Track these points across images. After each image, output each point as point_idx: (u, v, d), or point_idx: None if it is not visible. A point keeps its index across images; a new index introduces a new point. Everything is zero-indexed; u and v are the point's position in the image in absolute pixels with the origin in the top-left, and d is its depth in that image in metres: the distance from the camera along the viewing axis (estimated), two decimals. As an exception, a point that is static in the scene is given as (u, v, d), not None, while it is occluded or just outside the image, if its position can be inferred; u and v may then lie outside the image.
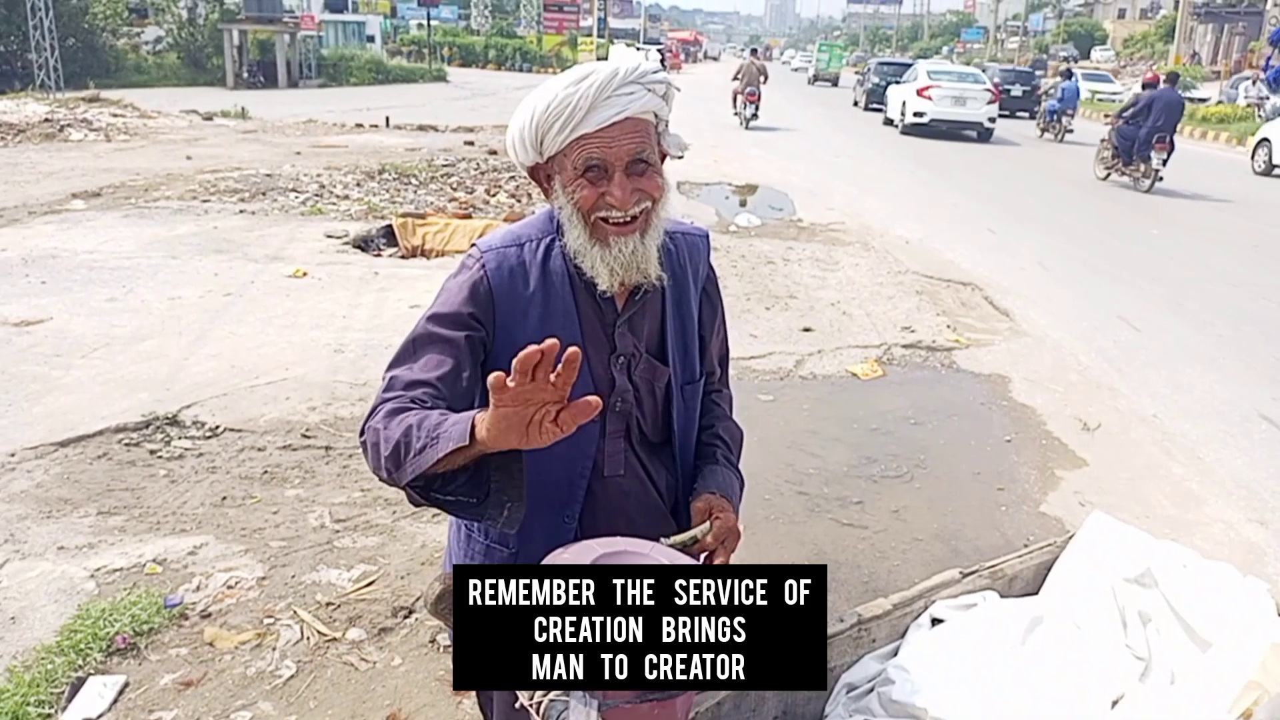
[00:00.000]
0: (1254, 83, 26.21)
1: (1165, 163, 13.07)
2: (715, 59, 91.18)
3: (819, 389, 5.32)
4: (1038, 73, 23.64)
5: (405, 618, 2.98)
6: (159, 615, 2.89)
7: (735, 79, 22.19)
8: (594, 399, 1.14)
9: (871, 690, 1.96)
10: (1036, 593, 2.26)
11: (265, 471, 3.92)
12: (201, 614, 2.95)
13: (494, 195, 10.93)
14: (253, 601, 3.03)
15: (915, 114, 20.54)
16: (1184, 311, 7.13)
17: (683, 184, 12.21)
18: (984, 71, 22.88)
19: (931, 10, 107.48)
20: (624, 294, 1.52)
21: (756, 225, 10.04)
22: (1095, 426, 4.85)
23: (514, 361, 1.09)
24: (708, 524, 1.56)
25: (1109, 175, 14.13)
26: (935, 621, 2.12)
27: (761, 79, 21.50)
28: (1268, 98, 24.19)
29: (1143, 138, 13.04)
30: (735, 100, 21.94)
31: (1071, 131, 21.08)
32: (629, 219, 1.41)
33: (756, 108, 21.30)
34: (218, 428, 4.33)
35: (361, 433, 1.36)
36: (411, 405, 1.33)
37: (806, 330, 6.29)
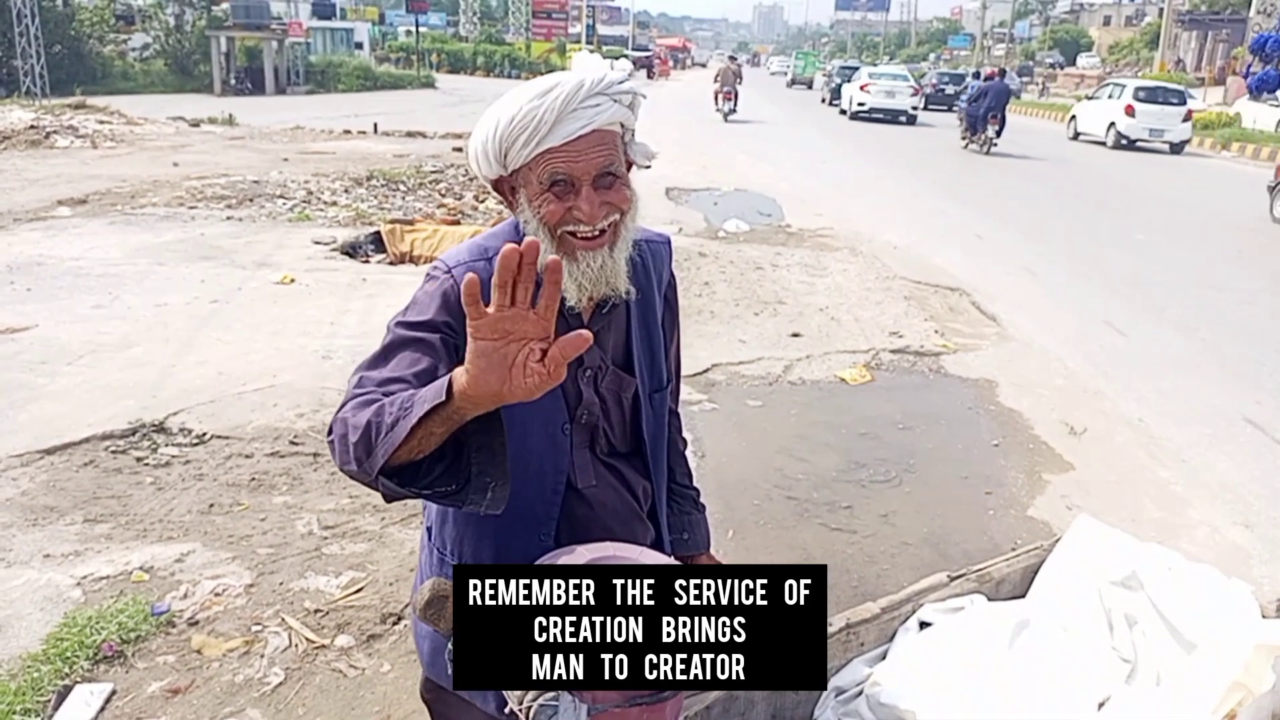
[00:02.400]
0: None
1: (999, 133, 18.70)
2: (703, 65, 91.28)
3: (808, 394, 5.34)
4: (970, 77, 25.43)
5: (394, 624, 2.97)
6: (146, 623, 2.88)
7: (715, 80, 26.14)
8: (585, 333, 1.07)
9: (860, 693, 1.97)
10: (1024, 596, 2.27)
11: (253, 479, 3.91)
12: (189, 621, 2.93)
13: (482, 201, 10.93)
14: (240, 609, 3.01)
15: (858, 104, 27.05)
16: (1169, 316, 7.18)
17: (671, 190, 12.23)
18: (925, 74, 28.14)
19: (918, 17, 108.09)
20: (590, 308, 1.50)
21: (745, 230, 10.06)
22: (1082, 431, 4.88)
23: (493, 274, 1.04)
24: None
25: (967, 145, 19.47)
26: (923, 625, 2.13)
27: (737, 80, 25.47)
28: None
29: (981, 115, 18.57)
30: (716, 98, 25.57)
31: (996, 144, 18.92)
32: (597, 233, 1.38)
33: (734, 104, 25.24)
34: (205, 435, 4.31)
35: (329, 431, 1.27)
36: (383, 398, 1.24)
37: (795, 336, 6.31)
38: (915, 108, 27.05)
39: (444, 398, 1.10)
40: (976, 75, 23.31)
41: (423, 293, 1.46)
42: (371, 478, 1.19)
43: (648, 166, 1.52)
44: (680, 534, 1.79)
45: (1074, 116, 24.90)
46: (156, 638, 2.84)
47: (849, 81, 29.41)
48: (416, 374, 1.30)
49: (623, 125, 1.41)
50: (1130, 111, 21.52)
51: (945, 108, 31.46)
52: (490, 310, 1.05)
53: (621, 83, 1.38)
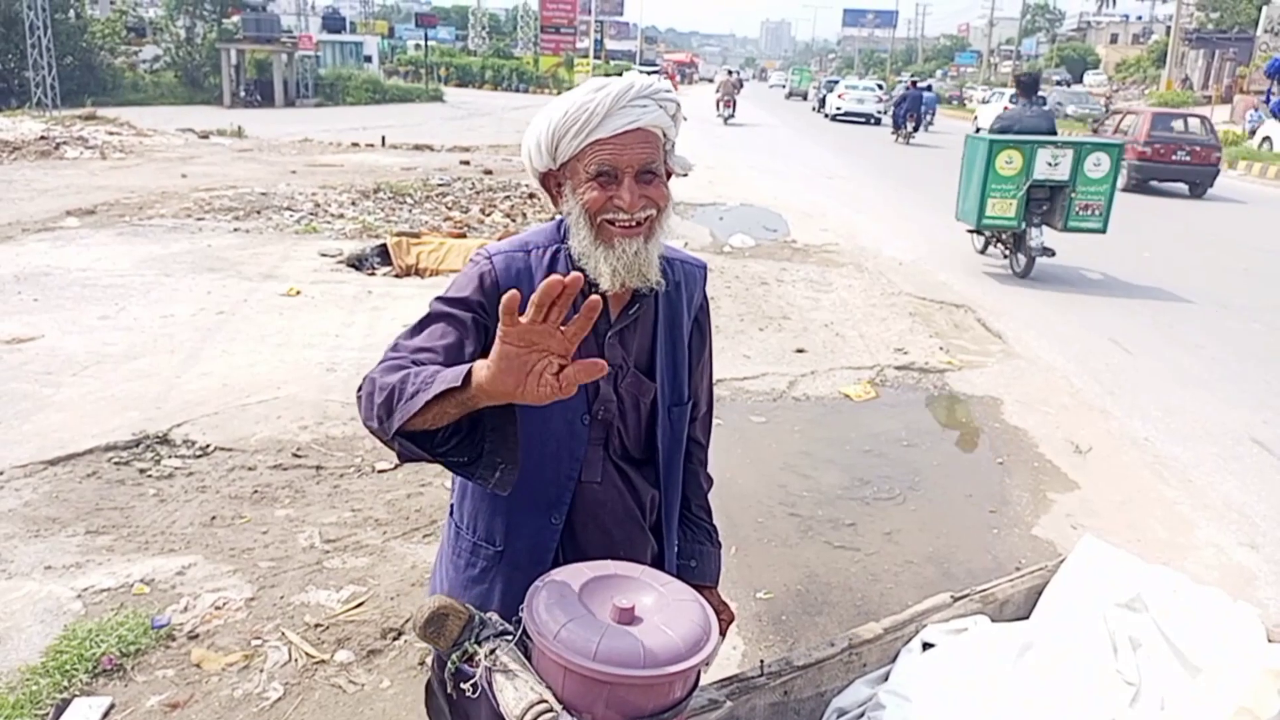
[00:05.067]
0: (1255, 109, 27.53)
1: (915, 129, 25.45)
2: (710, 80, 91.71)
3: (812, 410, 5.32)
4: (904, 87, 30.41)
5: (394, 639, 2.96)
6: (146, 636, 2.87)
7: (717, 91, 32.35)
8: (601, 361, 1.16)
9: (863, 715, 1.95)
10: (1027, 617, 2.25)
11: (255, 491, 3.90)
12: (189, 635, 2.93)
13: (489, 215, 10.96)
14: (241, 622, 3.01)
15: (836, 108, 35.23)
16: (1175, 334, 7.16)
17: (677, 205, 12.24)
18: (895, 86, 32.38)
19: (926, 34, 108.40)
20: (618, 306, 1.55)
21: (751, 246, 10.07)
22: (1087, 449, 4.85)
23: (534, 294, 1.10)
24: (722, 637, 1.71)
25: (896, 139, 25.17)
26: (926, 646, 2.11)
27: (736, 90, 31.65)
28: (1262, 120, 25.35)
29: (902, 115, 24.51)
30: (718, 105, 31.36)
31: (913, 136, 25.61)
32: (634, 223, 1.45)
33: (733, 110, 31.11)
34: (208, 447, 4.31)
35: (359, 389, 1.37)
36: (412, 365, 1.35)
37: (800, 351, 6.30)
38: (880, 112, 33.40)
39: (460, 384, 1.19)
40: (912, 84, 29.54)
41: (463, 275, 1.54)
42: (389, 437, 1.28)
43: (684, 175, 1.61)
44: (689, 561, 1.80)
45: (976, 116, 32.29)
46: (156, 651, 2.84)
47: (831, 92, 37.75)
48: (445, 346, 1.41)
49: (664, 133, 1.50)
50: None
51: None
52: (523, 320, 1.11)
53: (668, 91, 1.49)
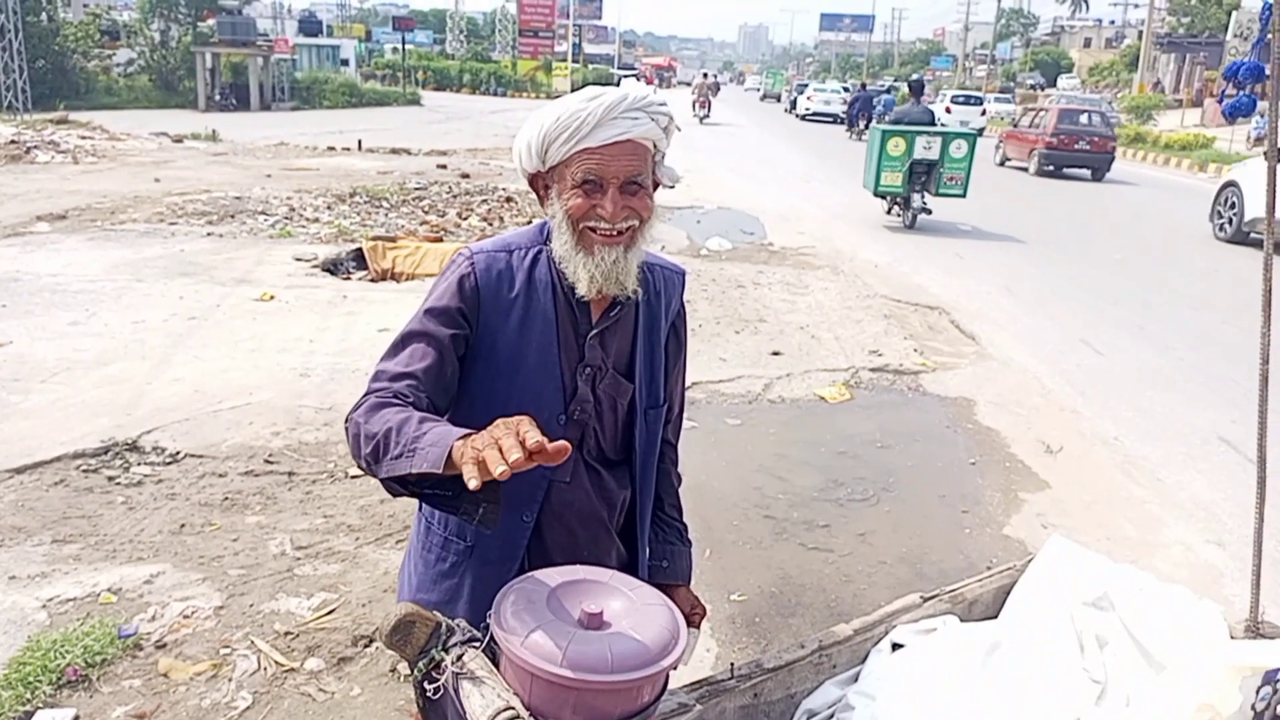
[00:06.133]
0: (1261, 115, 27.46)
1: (866, 126, 23.34)
2: (687, 84, 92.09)
3: (787, 412, 5.34)
4: (858, 89, 32.85)
5: (365, 647, 2.93)
6: (112, 646, 2.83)
7: (693, 92, 35.11)
8: (565, 445, 1.15)
9: (832, 716, 1.95)
10: (996, 616, 2.26)
11: (226, 498, 3.87)
12: (156, 644, 2.89)
13: (466, 219, 10.92)
14: (209, 631, 2.97)
15: (805, 109, 40.09)
16: (1145, 334, 7.24)
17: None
18: (862, 89, 33.28)
19: (901, 39, 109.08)
20: (600, 308, 1.57)
21: (728, 249, 10.10)
22: (1058, 449, 4.90)
23: (529, 443, 1.12)
24: (696, 631, 1.77)
25: (850, 136, 26.67)
26: (896, 646, 2.12)
27: (711, 92, 34.93)
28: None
29: (854, 114, 26.10)
30: (694, 106, 33.97)
31: (864, 133, 26.04)
32: (616, 232, 1.47)
33: (708, 110, 34.21)
34: (178, 453, 4.27)
35: (347, 419, 1.41)
36: (394, 400, 1.38)
37: (775, 354, 6.32)
38: (844, 112, 35.56)
39: (440, 469, 1.20)
40: (862, 87, 33.15)
41: (444, 279, 1.56)
42: (377, 478, 1.32)
43: (671, 186, 1.65)
44: (660, 561, 1.82)
45: None
46: (123, 661, 2.80)
47: (801, 94, 42.87)
48: (425, 370, 1.45)
49: (655, 145, 1.52)
50: (949, 110, 30.94)
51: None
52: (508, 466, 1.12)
53: (661, 104, 1.50)
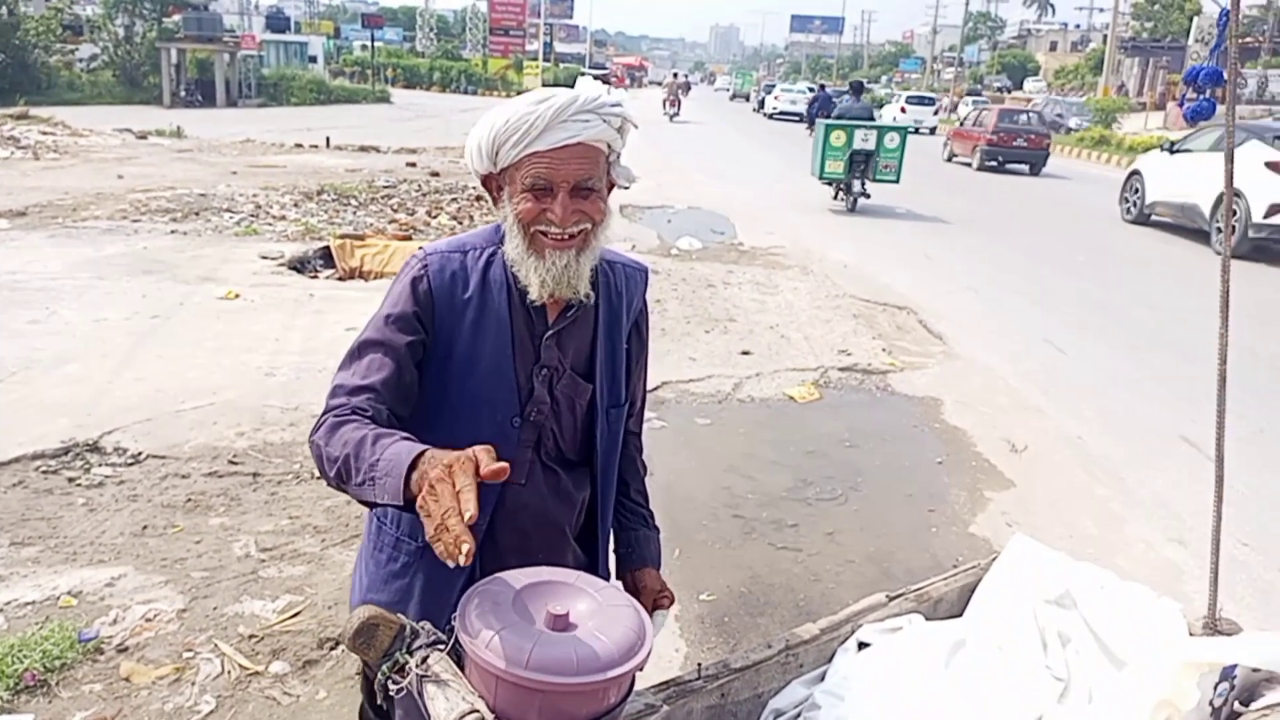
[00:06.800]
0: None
1: None
2: (659, 84, 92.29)
3: (756, 412, 5.36)
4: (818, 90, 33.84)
5: (331, 649, 2.90)
6: (72, 650, 2.78)
7: (664, 92, 36.99)
8: (505, 467, 1.18)
9: (799, 715, 1.96)
10: (961, 614, 2.28)
11: (189, 499, 3.81)
12: (118, 648, 2.85)
13: (435, 217, 10.85)
14: (172, 634, 2.93)
15: (772, 108, 42.30)
16: (1107, 335, 7.34)
17: (625, 207, 12.26)
18: (821, 89, 34.33)
19: (871, 41, 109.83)
20: (556, 309, 1.56)
21: (698, 249, 10.11)
22: (1023, 448, 4.95)
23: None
24: (666, 611, 1.76)
25: (810, 133, 24.64)
26: (862, 645, 2.13)
27: (681, 92, 36.98)
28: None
29: (814, 113, 22.78)
30: (664, 105, 35.84)
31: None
32: (567, 236, 1.46)
33: (678, 109, 35.78)
34: (140, 454, 4.20)
35: (310, 439, 1.41)
36: (352, 416, 1.37)
37: (745, 353, 6.34)
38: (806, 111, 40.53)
39: (400, 502, 1.22)
40: (821, 88, 33.82)
41: (398, 283, 1.54)
42: (345, 495, 1.34)
43: (626, 187, 1.61)
44: (628, 549, 1.81)
45: (880, 113, 39.35)
46: (83, 665, 2.75)
47: (769, 94, 45.21)
48: (384, 381, 1.44)
49: (609, 145, 1.49)
50: (904, 110, 35.62)
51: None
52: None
53: (615, 105, 1.47)
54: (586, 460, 1.68)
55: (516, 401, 1.55)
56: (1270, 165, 10.99)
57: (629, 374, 1.71)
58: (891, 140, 13.29)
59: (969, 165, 22.44)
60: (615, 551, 1.79)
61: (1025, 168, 21.74)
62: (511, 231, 1.48)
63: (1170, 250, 11.92)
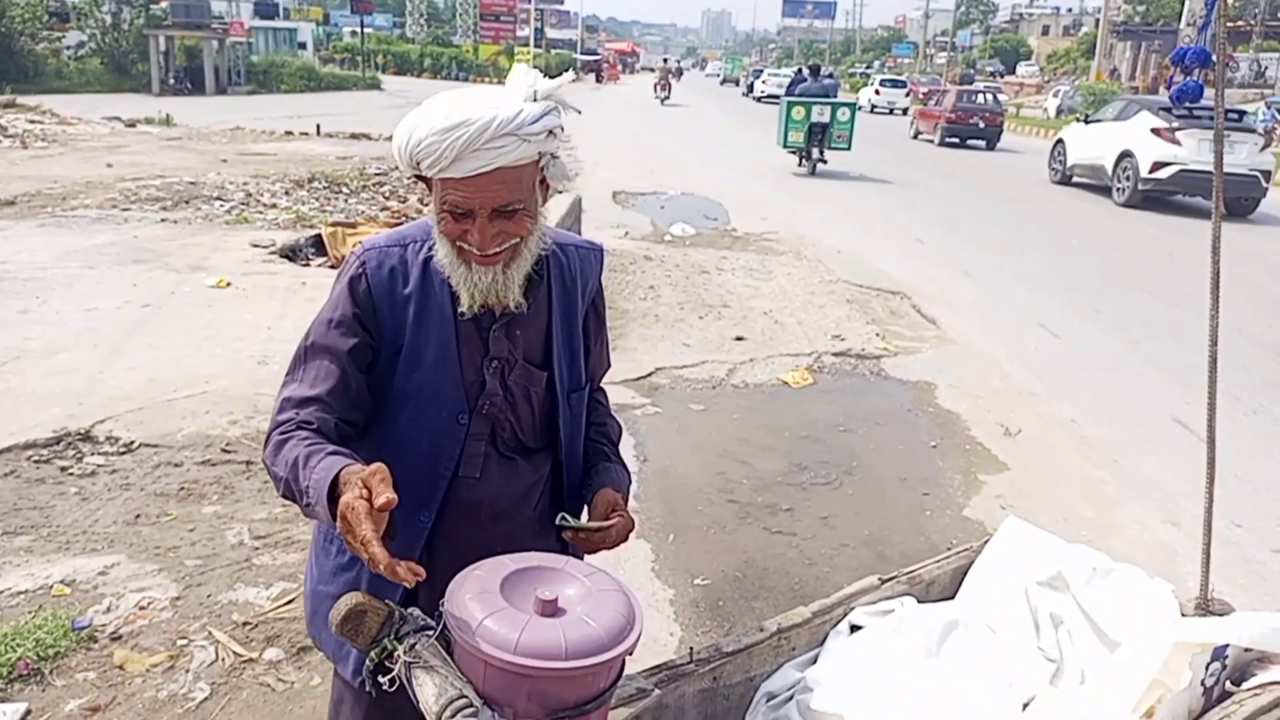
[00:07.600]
0: (1267, 106, 27.52)
1: None
2: (651, 69, 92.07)
3: (751, 397, 5.36)
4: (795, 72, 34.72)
5: (325, 636, 2.90)
6: (66, 638, 2.78)
7: (656, 77, 40.09)
8: (392, 499, 1.20)
9: (791, 698, 1.96)
10: (953, 597, 2.29)
11: (182, 488, 3.80)
12: (111, 636, 2.84)
13: (427, 204, 10.79)
14: (166, 622, 2.93)
15: (761, 91, 43.36)
16: (1102, 318, 7.35)
17: (618, 193, 12.24)
18: (797, 72, 36.41)
19: (864, 25, 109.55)
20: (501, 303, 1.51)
21: (691, 234, 10.09)
22: (1016, 432, 4.96)
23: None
24: (612, 520, 1.56)
25: None
26: (854, 628, 2.13)
27: (672, 77, 40.40)
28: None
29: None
30: (655, 88, 38.99)
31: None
32: (492, 253, 1.41)
33: (669, 93, 38.61)
34: (132, 443, 4.19)
35: (262, 458, 1.43)
36: (297, 430, 1.38)
37: (739, 339, 6.33)
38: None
39: (333, 524, 1.24)
40: (797, 71, 36.77)
41: (337, 283, 1.52)
42: None
43: (561, 191, 1.54)
44: (587, 484, 1.67)
45: (858, 95, 38.93)
46: (77, 654, 2.75)
47: (757, 79, 47.59)
48: (330, 390, 1.44)
49: (540, 153, 1.41)
50: (878, 92, 39.99)
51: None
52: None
53: (534, 122, 1.36)
54: (549, 445, 1.64)
55: (463, 396, 1.51)
56: (1154, 131, 13.38)
57: (588, 355, 1.68)
58: (844, 114, 15.66)
59: (931, 141, 24.43)
60: (584, 481, 1.68)
61: (982, 143, 23.70)
62: (439, 240, 1.44)
63: (1081, 205, 14.17)
